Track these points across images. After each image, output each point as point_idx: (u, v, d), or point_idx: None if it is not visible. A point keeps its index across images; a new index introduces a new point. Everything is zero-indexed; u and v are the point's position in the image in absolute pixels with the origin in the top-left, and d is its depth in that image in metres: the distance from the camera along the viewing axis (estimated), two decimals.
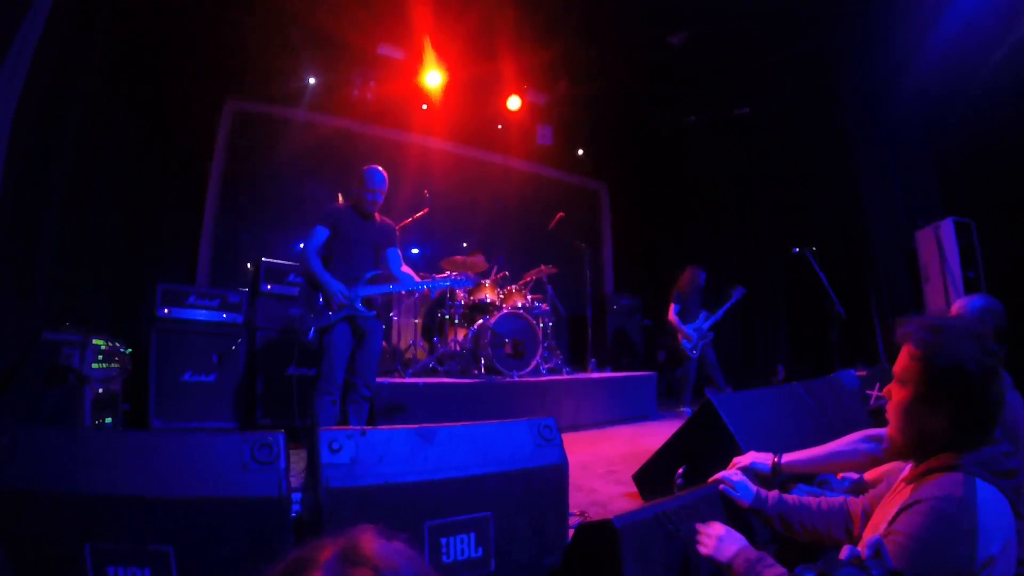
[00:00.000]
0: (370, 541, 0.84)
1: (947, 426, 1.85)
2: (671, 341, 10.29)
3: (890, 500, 2.01)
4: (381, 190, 5.83)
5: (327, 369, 5.42)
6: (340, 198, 7.80)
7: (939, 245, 8.35)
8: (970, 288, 8.09)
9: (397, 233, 6.22)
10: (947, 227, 8.30)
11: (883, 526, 1.85)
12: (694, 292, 9.98)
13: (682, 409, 9.61)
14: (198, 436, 2.39)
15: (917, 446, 1.93)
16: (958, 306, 3.20)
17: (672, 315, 9.91)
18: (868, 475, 3.08)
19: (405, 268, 6.02)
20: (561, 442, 3.07)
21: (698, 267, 10.10)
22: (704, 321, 9.79)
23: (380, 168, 5.86)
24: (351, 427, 2.62)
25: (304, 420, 6.95)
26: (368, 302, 5.67)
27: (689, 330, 9.70)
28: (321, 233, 5.66)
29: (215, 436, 2.39)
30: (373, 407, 6.13)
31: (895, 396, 2.01)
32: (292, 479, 2.50)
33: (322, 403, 5.35)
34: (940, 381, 1.85)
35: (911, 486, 1.89)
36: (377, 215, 5.99)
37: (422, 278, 5.96)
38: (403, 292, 6.11)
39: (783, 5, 8.81)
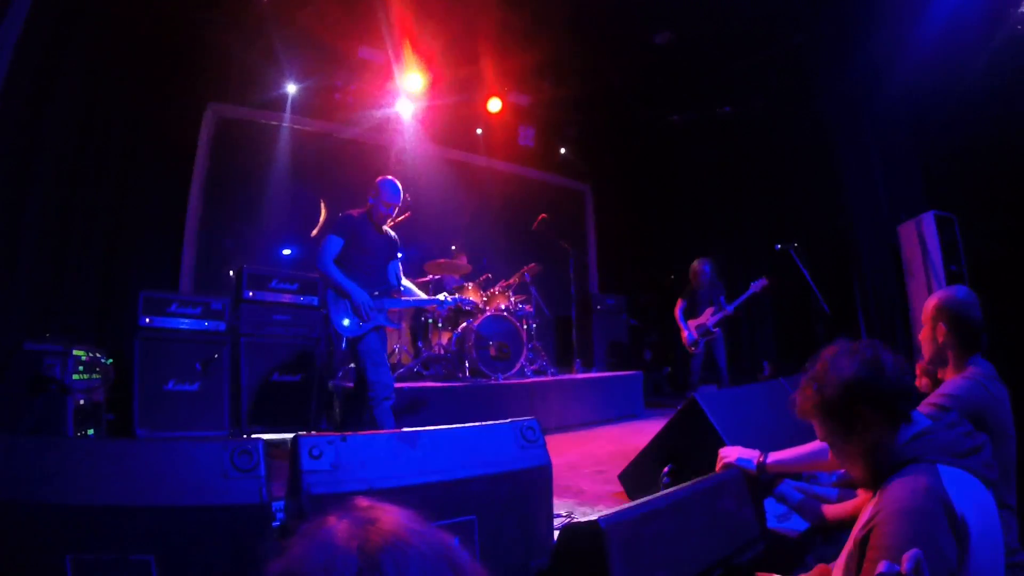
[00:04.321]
0: (363, 500, 0.94)
1: (882, 427, 1.94)
2: (656, 338, 10.22)
3: (864, 509, 2.01)
4: (396, 204, 5.89)
5: (376, 377, 5.45)
6: (323, 205, 7.81)
7: (921, 239, 8.39)
8: (952, 281, 8.13)
9: (399, 245, 6.30)
10: (928, 221, 8.34)
11: (853, 533, 1.87)
12: (701, 287, 9.65)
13: None
14: (178, 444, 2.36)
15: (877, 464, 1.96)
16: (936, 297, 3.21)
17: (676, 311, 9.74)
18: None
19: (406, 280, 6.23)
20: (544, 443, 3.06)
21: (703, 261, 9.74)
22: (711, 316, 9.39)
23: (397, 181, 5.91)
24: (331, 433, 2.60)
25: (312, 427, 7.14)
26: (391, 315, 5.90)
27: (689, 327, 9.52)
28: (336, 243, 5.64)
29: (195, 444, 2.37)
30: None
31: (836, 456, 2.12)
32: (276, 487, 2.49)
33: (383, 411, 5.43)
34: (842, 405, 1.97)
35: (878, 493, 1.90)
36: (383, 226, 6.04)
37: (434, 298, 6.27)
38: (416, 305, 6.33)
39: (766, 5, 8.84)
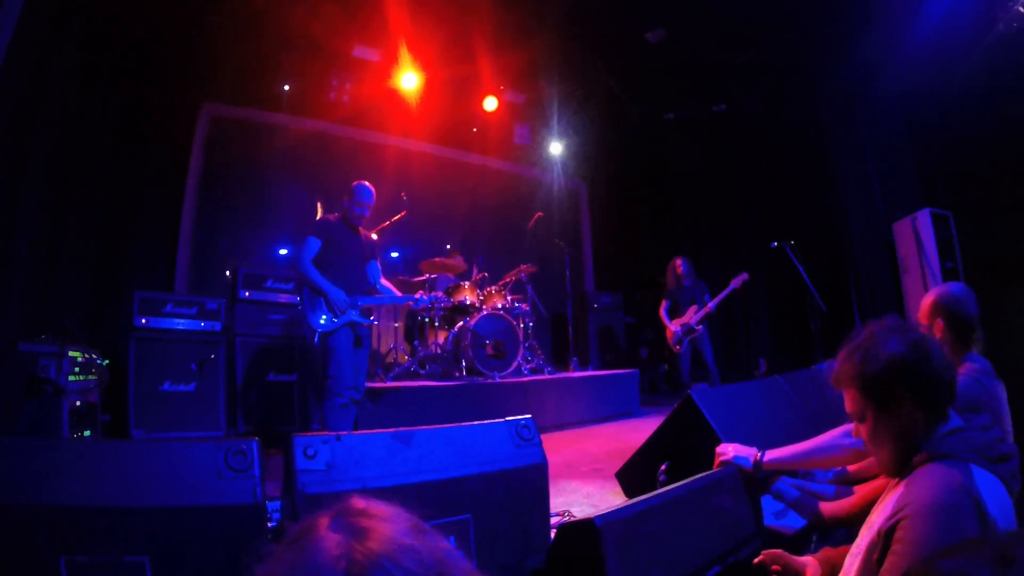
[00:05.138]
0: (358, 500, 0.92)
1: (918, 413, 1.89)
2: (652, 336, 10.21)
3: (884, 497, 1.98)
4: (369, 205, 6.06)
5: (336, 372, 5.62)
6: (319, 207, 7.84)
7: (916, 236, 8.41)
8: (948, 278, 8.13)
9: (378, 247, 6.42)
10: (924, 218, 8.36)
11: (877, 522, 1.83)
12: (680, 286, 9.65)
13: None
14: (172, 445, 2.35)
15: (905, 450, 1.92)
16: (932, 293, 3.22)
17: (659, 311, 9.78)
18: (852, 467, 3.08)
19: (384, 281, 6.38)
20: (540, 441, 3.05)
21: (678, 258, 9.77)
22: (694, 315, 9.35)
23: (369, 184, 6.08)
24: (326, 432, 2.59)
25: (307, 426, 7.10)
26: (366, 312, 5.95)
27: (674, 326, 9.54)
28: (314, 244, 5.81)
29: (189, 445, 2.35)
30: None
31: (863, 432, 2.05)
32: (273, 487, 2.48)
33: (332, 406, 5.57)
34: (883, 382, 1.91)
35: (904, 481, 1.86)
36: (361, 228, 6.22)
37: (404, 290, 6.28)
38: (393, 303, 6.39)
39: (760, 2, 8.83)
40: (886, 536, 1.73)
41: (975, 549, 0.90)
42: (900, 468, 1.93)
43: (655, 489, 2.72)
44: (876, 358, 1.92)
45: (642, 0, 9.21)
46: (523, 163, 13.58)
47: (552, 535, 2.82)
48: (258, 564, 0.84)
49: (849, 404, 2.06)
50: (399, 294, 6.40)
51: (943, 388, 1.90)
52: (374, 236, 6.36)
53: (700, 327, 9.33)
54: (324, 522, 0.86)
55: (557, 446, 7.07)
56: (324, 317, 5.65)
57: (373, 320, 6.00)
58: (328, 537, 0.83)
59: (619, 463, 4.73)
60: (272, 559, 0.84)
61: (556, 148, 13.30)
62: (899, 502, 1.76)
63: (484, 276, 9.50)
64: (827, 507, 2.73)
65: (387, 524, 0.87)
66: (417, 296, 6.48)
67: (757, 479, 2.92)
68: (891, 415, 1.93)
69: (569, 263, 10.87)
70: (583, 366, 10.94)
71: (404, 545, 0.83)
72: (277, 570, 0.82)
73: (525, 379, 8.73)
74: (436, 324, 9.17)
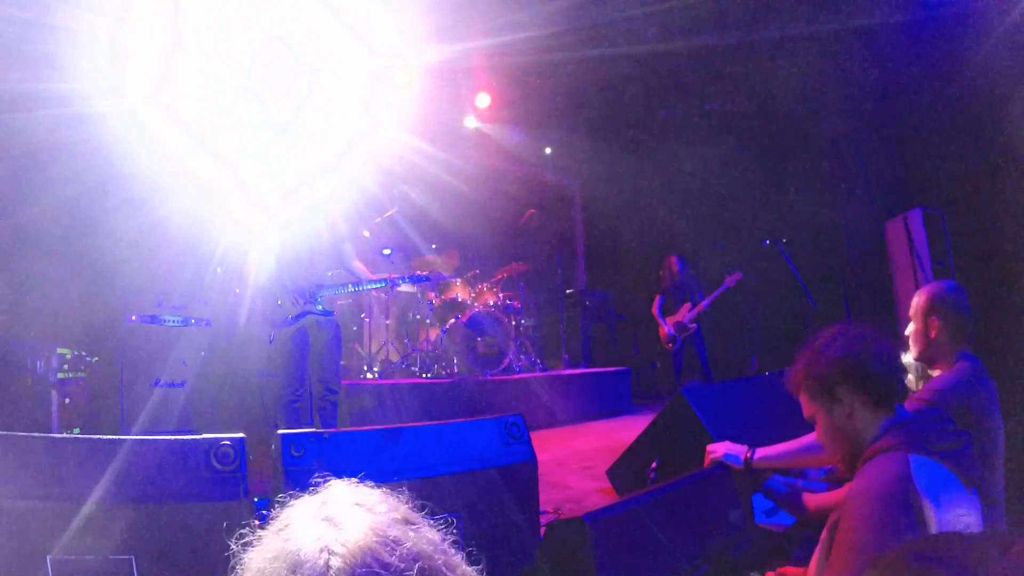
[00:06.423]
0: (348, 488, 0.94)
1: (862, 410, 1.98)
2: (644, 334, 10.21)
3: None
4: None
5: (289, 372, 5.40)
6: None
7: (908, 235, 8.41)
8: (940, 277, 8.13)
9: (347, 228, 6.17)
10: (916, 217, 8.35)
11: (829, 521, 1.91)
12: (675, 283, 9.64)
13: None
14: (158, 443, 2.34)
15: (855, 447, 2.00)
16: (924, 291, 3.21)
17: (653, 308, 9.75)
18: None
19: (357, 263, 5.96)
20: (529, 439, 3.05)
21: (674, 255, 9.76)
22: (687, 313, 9.38)
23: None
24: (314, 430, 2.58)
25: (273, 426, 6.96)
26: (328, 302, 5.61)
27: (668, 324, 9.52)
28: (275, 233, 5.55)
29: (176, 442, 2.34)
30: (343, 409, 6.09)
31: (818, 434, 2.15)
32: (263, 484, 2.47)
33: (283, 407, 5.40)
34: (826, 382, 2.03)
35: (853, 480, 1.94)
36: None
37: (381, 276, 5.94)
38: (363, 290, 6.02)
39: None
40: (832, 530, 1.83)
41: (932, 543, 0.92)
42: (852, 465, 2.01)
43: (646, 487, 2.72)
44: (818, 361, 2.04)
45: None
46: (516, 161, 13.55)
47: (542, 533, 2.81)
48: (245, 550, 0.86)
49: (803, 409, 2.15)
50: (373, 277, 5.91)
51: (884, 384, 1.97)
52: (366, 233, 6.16)
53: (693, 325, 9.32)
54: (310, 509, 0.87)
55: (548, 444, 7.05)
56: (278, 315, 5.37)
57: (332, 313, 5.70)
58: (313, 526, 0.83)
59: (610, 461, 4.73)
60: (258, 546, 0.85)
61: (549, 147, 13.28)
62: (846, 498, 1.84)
63: (476, 273, 9.47)
64: (812, 500, 2.74)
65: (373, 515, 0.86)
66: (389, 277, 5.91)
67: (748, 477, 2.92)
68: (837, 414, 2.02)
69: (561, 261, 10.86)
70: (575, 364, 10.93)
71: (388, 538, 0.82)
72: (262, 558, 0.82)
73: (516, 377, 8.72)
74: (428, 322, 9.15)
